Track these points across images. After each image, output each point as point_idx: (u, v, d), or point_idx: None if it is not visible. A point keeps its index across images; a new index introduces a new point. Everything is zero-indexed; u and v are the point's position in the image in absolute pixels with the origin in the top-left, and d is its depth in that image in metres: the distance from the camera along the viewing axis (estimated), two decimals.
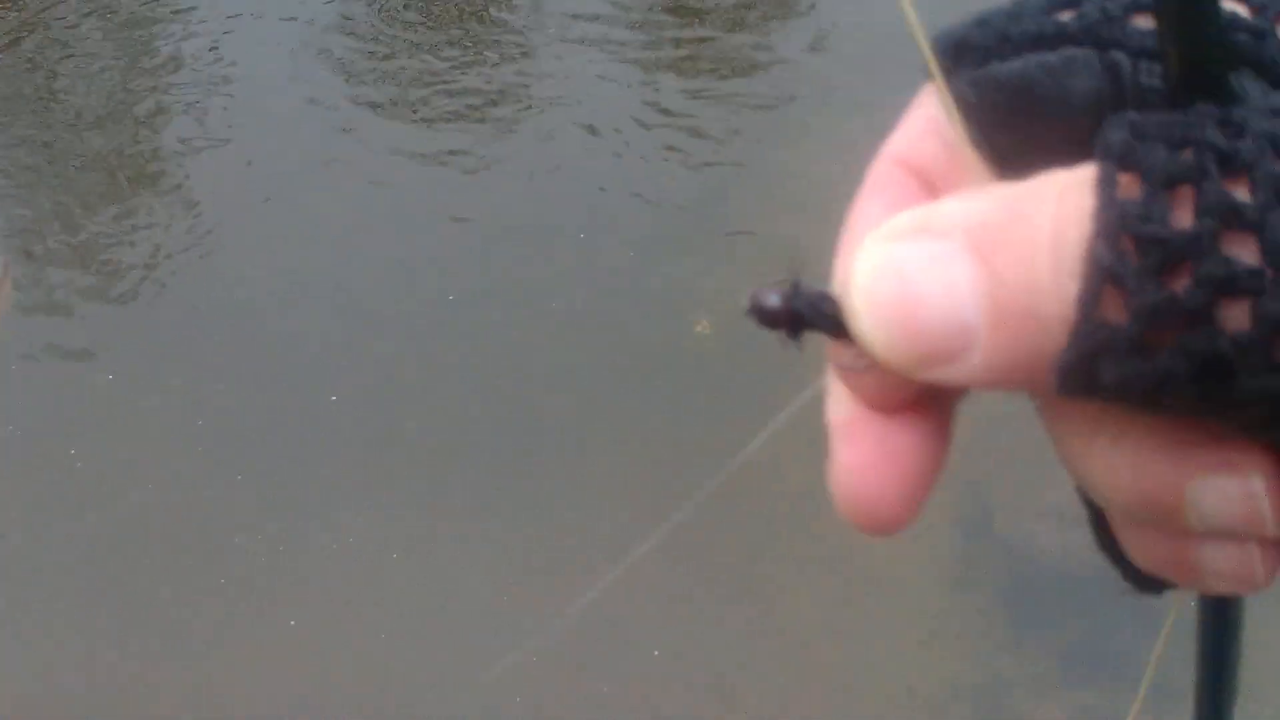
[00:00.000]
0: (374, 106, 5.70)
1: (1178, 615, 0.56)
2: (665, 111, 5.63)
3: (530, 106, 5.70)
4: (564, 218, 5.20)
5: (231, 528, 4.21)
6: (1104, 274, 0.33)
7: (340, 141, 5.50)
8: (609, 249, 5.07)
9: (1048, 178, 0.35)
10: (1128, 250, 0.33)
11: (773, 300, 0.41)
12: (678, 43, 6.06)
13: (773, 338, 0.42)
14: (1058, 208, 0.34)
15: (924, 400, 0.43)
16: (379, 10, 6.15)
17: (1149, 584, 0.48)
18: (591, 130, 5.54)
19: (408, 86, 5.78)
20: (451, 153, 5.44)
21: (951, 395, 0.45)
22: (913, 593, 4.11)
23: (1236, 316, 0.32)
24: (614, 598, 3.99)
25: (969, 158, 0.39)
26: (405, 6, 6.22)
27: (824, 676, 3.95)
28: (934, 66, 0.39)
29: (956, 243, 0.36)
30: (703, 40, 6.11)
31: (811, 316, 0.41)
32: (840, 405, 0.45)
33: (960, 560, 4.18)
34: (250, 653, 3.94)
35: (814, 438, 0.46)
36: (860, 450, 0.43)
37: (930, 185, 0.43)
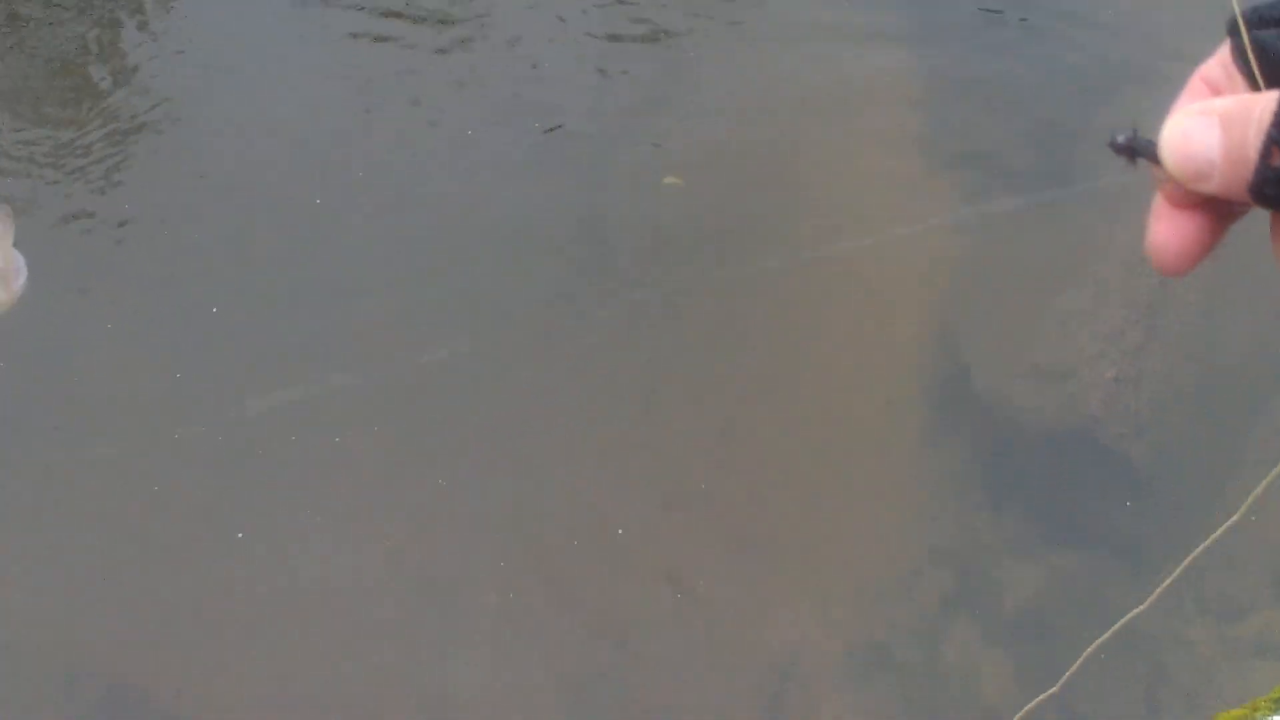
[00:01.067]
0: None
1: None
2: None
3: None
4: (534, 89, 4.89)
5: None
6: (1271, 140, 0.68)
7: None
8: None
9: (1264, 94, 0.71)
10: None
11: (1121, 139, 0.77)
12: None
13: None
14: (1261, 107, 0.70)
15: (1201, 206, 0.77)
16: None
17: None
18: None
19: None
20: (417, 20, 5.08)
21: (1218, 206, 0.77)
22: (889, 453, 3.98)
23: None
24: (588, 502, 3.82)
25: (1239, 79, 0.76)
26: None
27: (800, 546, 3.82)
28: (1241, 23, 0.74)
29: (1215, 118, 0.72)
30: None
31: (1142, 150, 0.76)
32: (1158, 207, 0.78)
33: (936, 420, 4.04)
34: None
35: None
36: (1164, 225, 0.77)
37: (1215, 90, 0.78)
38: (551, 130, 4.59)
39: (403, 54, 4.83)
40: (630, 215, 4.41)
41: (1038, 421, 4.06)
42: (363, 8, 4.94)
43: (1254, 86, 0.75)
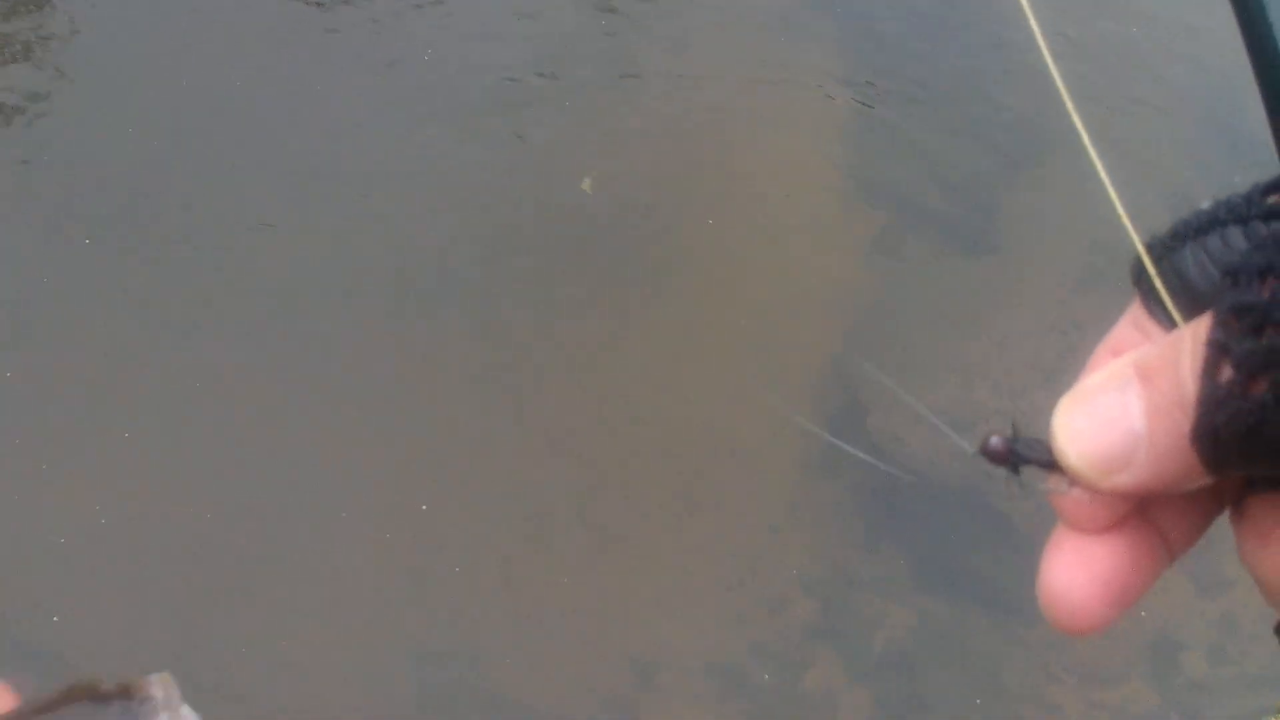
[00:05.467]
0: None
1: None
2: None
3: None
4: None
5: None
6: (1215, 349, 0.48)
7: None
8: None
9: (1190, 324, 0.52)
10: (1232, 333, 0.49)
11: (997, 445, 0.58)
12: None
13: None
14: (1192, 328, 0.51)
15: (1121, 525, 0.56)
16: None
17: None
18: None
19: None
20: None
21: (1145, 519, 0.57)
22: (771, 474, 3.93)
23: None
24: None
25: (1154, 326, 0.57)
26: None
27: (672, 560, 3.75)
28: (1146, 257, 0.57)
29: (1129, 374, 0.52)
30: None
31: (1026, 454, 0.57)
32: (1057, 538, 0.57)
33: (824, 452, 4.00)
34: None
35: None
36: (1063, 561, 0.56)
37: (1121, 354, 0.57)
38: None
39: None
40: (544, 212, 4.39)
41: (926, 467, 4.02)
42: None
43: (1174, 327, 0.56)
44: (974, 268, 4.52)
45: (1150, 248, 0.57)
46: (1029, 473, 0.57)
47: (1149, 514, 0.57)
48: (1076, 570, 0.55)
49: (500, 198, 4.40)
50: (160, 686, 0.74)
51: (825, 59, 5.02)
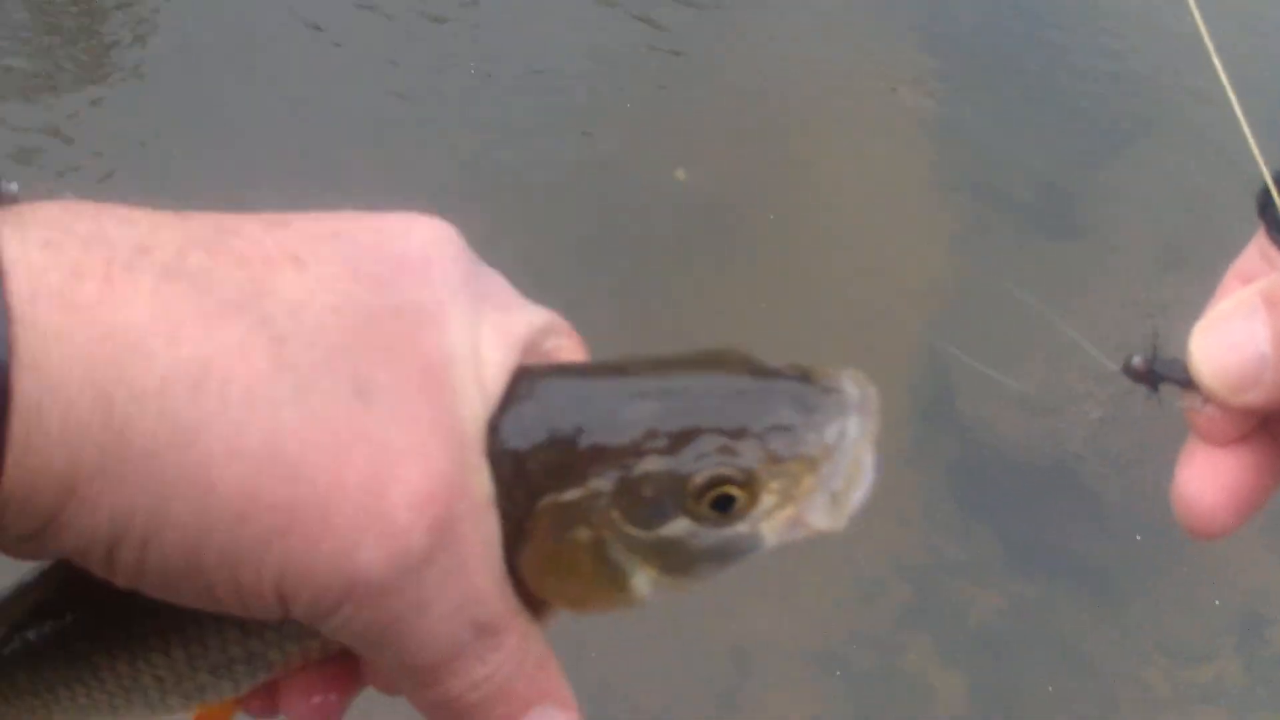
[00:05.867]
0: None
1: None
2: None
3: None
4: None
5: None
6: None
7: None
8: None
9: None
10: None
11: (1139, 364, 0.63)
12: None
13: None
14: None
15: (1251, 439, 0.61)
16: None
17: None
18: None
19: None
20: None
21: (1272, 434, 0.62)
22: None
23: None
24: None
25: (1278, 254, 0.62)
26: None
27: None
28: (1274, 189, 0.61)
29: (1256, 301, 0.57)
30: None
31: (1165, 371, 0.62)
32: (1190, 448, 0.64)
33: (916, 436, 4.07)
34: None
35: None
36: (1199, 470, 0.62)
37: (1249, 281, 0.62)
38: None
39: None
40: (634, 204, 4.47)
41: (1017, 451, 4.08)
42: None
43: None
44: (1059, 253, 4.56)
45: (1277, 180, 0.63)
46: (1166, 390, 0.64)
47: (1272, 429, 0.63)
48: (1207, 479, 0.62)
49: (594, 192, 4.49)
50: (854, 383, 0.62)
51: (898, 53, 5.06)
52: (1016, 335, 4.29)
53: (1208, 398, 0.60)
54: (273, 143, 4.43)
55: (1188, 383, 0.62)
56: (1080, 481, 4.04)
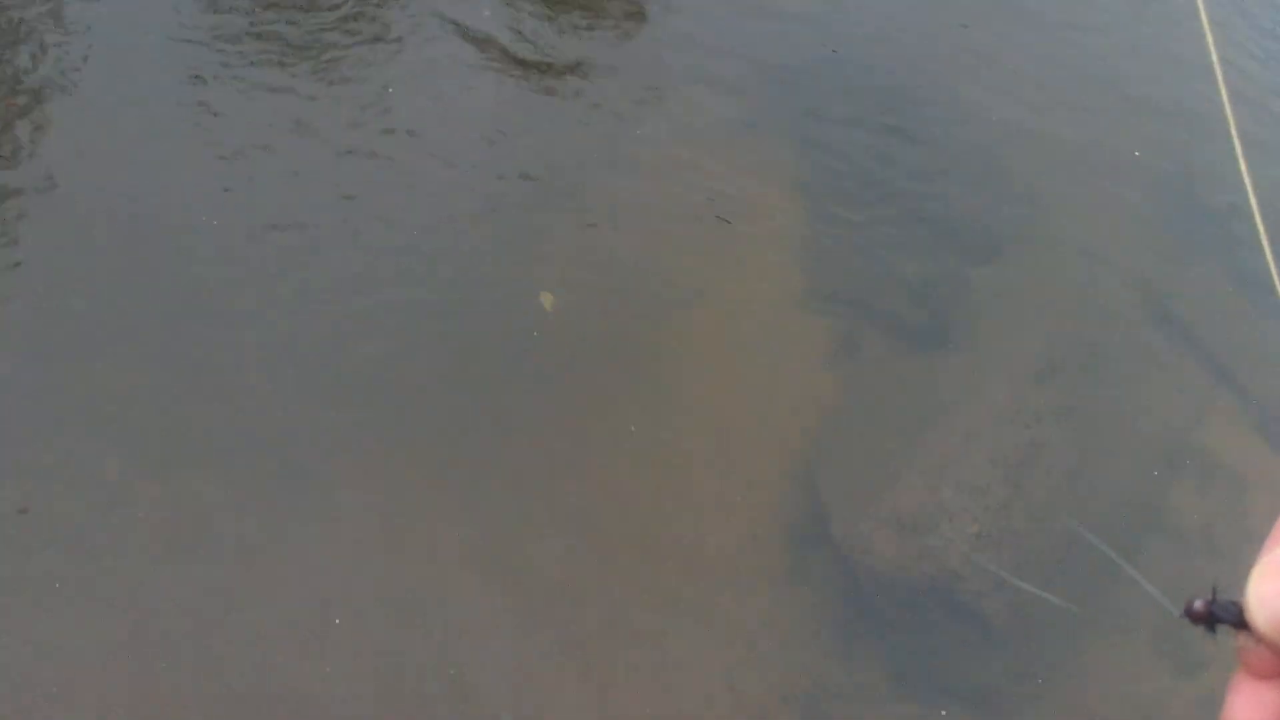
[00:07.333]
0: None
1: None
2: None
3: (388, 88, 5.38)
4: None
5: None
6: None
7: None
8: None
9: None
10: None
11: (1199, 608, 0.70)
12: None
13: None
14: None
15: None
16: None
17: None
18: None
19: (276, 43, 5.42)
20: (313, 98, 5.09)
21: None
22: (743, 592, 3.93)
23: None
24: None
25: None
26: None
27: (649, 679, 3.74)
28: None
29: None
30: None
31: (1223, 614, 0.69)
32: (1238, 681, 0.69)
33: (793, 560, 4.01)
34: None
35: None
36: (1246, 701, 0.68)
37: None
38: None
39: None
40: (505, 333, 4.39)
41: (894, 571, 4.04)
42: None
43: None
44: (932, 366, 4.56)
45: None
46: (1222, 631, 0.70)
47: None
48: (1253, 708, 0.68)
49: (460, 315, 4.40)
50: None
51: (779, 171, 5.08)
52: (891, 451, 4.27)
53: (1259, 639, 0.65)
54: None
55: (1243, 625, 0.67)
56: (960, 600, 4.00)
